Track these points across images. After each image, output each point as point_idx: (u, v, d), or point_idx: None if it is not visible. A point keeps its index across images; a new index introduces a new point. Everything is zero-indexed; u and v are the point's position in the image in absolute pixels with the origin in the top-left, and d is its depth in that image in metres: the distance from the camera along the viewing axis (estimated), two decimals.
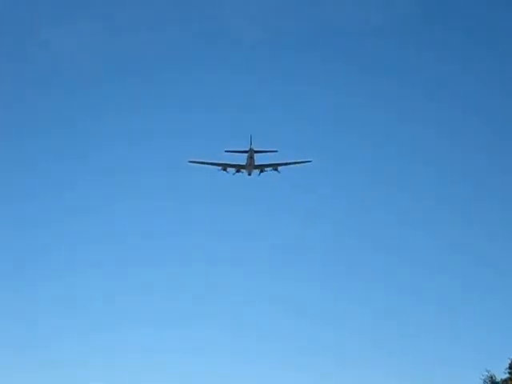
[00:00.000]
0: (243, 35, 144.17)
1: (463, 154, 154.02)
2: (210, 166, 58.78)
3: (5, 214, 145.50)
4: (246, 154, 55.43)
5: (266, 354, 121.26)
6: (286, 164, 55.65)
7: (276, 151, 56.31)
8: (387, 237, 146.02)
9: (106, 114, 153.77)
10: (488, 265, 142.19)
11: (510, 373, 35.16)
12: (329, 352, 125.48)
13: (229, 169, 57.78)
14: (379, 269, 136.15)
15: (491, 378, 34.97)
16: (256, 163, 56.41)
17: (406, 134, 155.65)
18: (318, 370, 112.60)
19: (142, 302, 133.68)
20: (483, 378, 35.08)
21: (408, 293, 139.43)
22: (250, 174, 56.30)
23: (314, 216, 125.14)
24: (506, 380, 35.23)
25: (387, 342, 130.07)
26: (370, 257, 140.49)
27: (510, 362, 36.35)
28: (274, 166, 55.70)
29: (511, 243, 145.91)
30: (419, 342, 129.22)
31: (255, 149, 54.68)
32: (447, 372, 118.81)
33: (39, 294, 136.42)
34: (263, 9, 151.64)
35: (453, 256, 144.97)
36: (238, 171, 56.86)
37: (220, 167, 58.53)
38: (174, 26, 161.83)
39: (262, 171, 56.14)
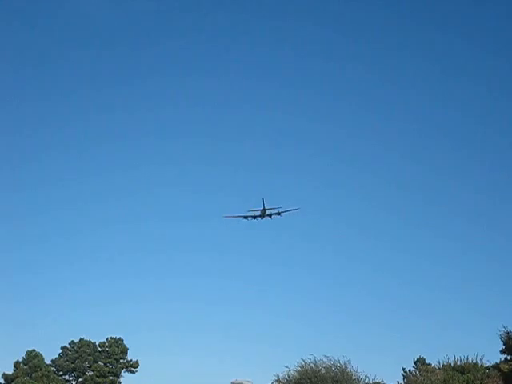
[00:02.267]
0: None
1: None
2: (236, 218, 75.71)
3: None
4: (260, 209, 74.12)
5: None
6: (285, 211, 73.82)
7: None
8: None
9: None
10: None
11: None
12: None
13: (249, 218, 75.36)
14: None
15: (508, 333, 35.14)
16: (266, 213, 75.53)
17: None
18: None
19: None
20: (500, 333, 35.30)
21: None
22: (262, 219, 74.47)
23: None
24: None
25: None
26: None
27: None
28: (278, 213, 74.13)
29: None
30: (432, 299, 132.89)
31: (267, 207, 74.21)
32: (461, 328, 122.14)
33: None
34: None
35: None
36: (254, 218, 74.15)
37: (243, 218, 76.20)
38: None
39: (270, 216, 73.92)
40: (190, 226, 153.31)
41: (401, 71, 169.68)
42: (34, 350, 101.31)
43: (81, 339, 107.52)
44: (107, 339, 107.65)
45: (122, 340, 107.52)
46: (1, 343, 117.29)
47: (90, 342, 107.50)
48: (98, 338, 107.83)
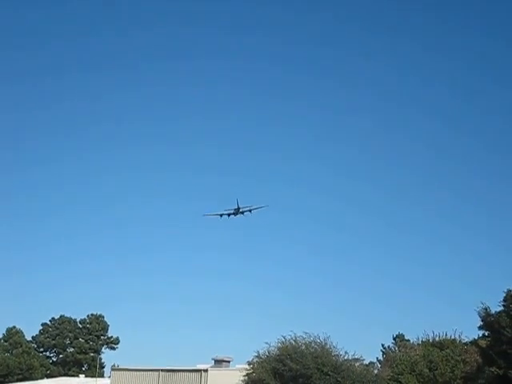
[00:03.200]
0: None
1: None
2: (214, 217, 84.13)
3: None
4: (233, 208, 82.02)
5: None
6: (255, 208, 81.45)
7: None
8: None
9: None
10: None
11: (504, 305, 35.79)
12: None
13: (224, 215, 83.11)
14: None
15: (486, 310, 35.55)
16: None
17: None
18: None
19: None
20: (478, 309, 35.68)
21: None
22: (235, 216, 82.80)
23: None
24: (500, 312, 35.94)
25: None
26: None
27: (504, 294, 36.87)
28: (249, 210, 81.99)
29: None
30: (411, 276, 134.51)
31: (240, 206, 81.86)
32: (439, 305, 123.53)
33: None
34: None
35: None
36: (229, 216, 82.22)
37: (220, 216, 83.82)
38: None
39: (242, 213, 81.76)
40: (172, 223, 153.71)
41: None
42: (14, 327, 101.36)
43: (61, 316, 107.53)
44: (88, 316, 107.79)
45: (103, 317, 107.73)
46: None
47: (70, 318, 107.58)
48: (78, 314, 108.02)
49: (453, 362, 43.86)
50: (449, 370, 43.17)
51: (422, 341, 51.10)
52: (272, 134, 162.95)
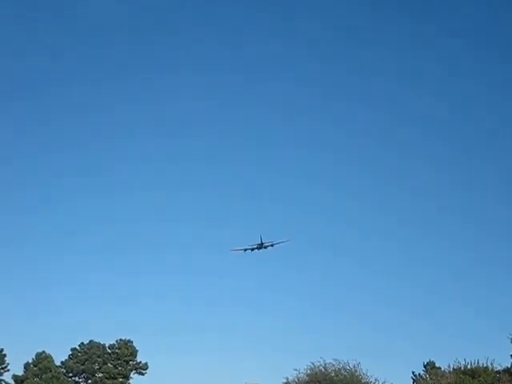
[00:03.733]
0: None
1: None
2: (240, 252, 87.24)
3: None
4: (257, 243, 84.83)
5: None
6: (278, 243, 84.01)
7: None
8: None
9: None
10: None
11: None
12: None
13: (248, 250, 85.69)
14: None
15: None
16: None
17: None
18: None
19: None
20: (510, 337, 35.00)
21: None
22: (259, 250, 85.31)
23: None
24: None
25: None
26: None
27: None
28: (272, 245, 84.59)
29: None
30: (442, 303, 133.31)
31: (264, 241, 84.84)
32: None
33: None
34: None
35: None
36: (252, 250, 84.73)
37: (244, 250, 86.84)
38: None
39: (266, 248, 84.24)
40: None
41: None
42: (43, 352, 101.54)
43: (90, 341, 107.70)
44: (116, 341, 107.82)
45: (132, 342, 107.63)
46: (11, 345, 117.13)
47: (99, 343, 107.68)
48: (107, 339, 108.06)
49: None
50: None
51: (453, 368, 50.54)
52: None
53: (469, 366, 48.97)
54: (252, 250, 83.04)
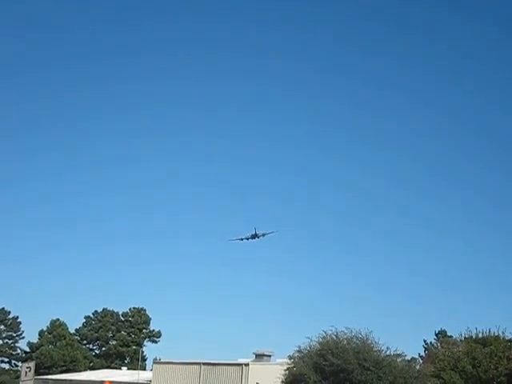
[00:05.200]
0: None
1: None
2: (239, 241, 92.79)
3: None
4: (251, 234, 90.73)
5: None
6: (268, 233, 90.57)
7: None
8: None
9: None
10: None
11: None
12: None
13: (244, 239, 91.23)
14: None
15: None
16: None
17: None
18: None
19: None
20: None
21: None
22: (253, 239, 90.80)
23: None
24: None
25: None
26: None
27: None
28: (263, 235, 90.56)
29: None
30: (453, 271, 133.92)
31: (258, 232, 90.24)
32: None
33: None
34: None
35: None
36: (247, 239, 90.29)
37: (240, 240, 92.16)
38: None
39: (258, 237, 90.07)
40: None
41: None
42: (58, 320, 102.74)
43: (104, 309, 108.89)
44: (130, 309, 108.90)
45: (145, 310, 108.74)
46: (26, 313, 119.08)
47: (113, 311, 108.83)
48: (120, 308, 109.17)
49: (496, 358, 43.34)
50: (492, 367, 42.67)
51: (464, 337, 50.54)
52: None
53: (480, 335, 49.02)
54: (247, 239, 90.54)
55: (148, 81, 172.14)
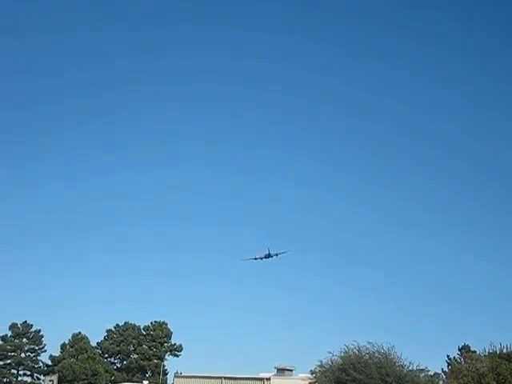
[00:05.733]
0: None
1: None
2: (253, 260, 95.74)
3: None
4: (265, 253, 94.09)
5: None
6: (281, 253, 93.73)
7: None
8: None
9: None
10: None
11: None
12: None
13: (258, 259, 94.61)
14: None
15: None
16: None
17: None
18: None
19: None
20: None
21: None
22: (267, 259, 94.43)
23: None
24: None
25: None
26: None
27: None
28: (276, 255, 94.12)
29: None
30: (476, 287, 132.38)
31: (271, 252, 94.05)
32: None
33: None
34: None
35: None
36: (261, 258, 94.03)
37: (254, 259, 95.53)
38: None
39: (271, 257, 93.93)
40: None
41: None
42: (79, 333, 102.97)
43: (125, 322, 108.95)
44: (151, 323, 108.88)
45: (166, 324, 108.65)
46: (48, 326, 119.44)
47: (134, 325, 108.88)
48: (142, 321, 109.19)
49: None
50: None
51: (488, 352, 49.89)
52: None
53: (504, 350, 48.38)
54: (261, 258, 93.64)
55: (149, 85, 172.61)
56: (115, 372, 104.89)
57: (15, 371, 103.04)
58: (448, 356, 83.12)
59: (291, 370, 64.40)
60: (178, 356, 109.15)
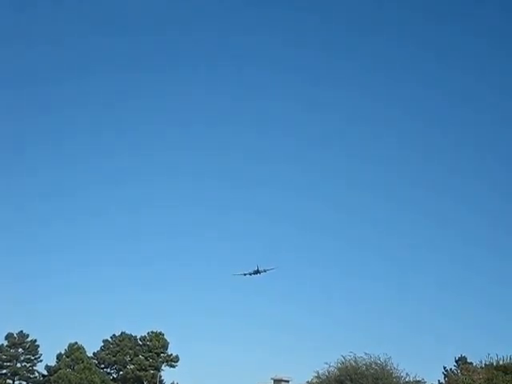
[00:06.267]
0: None
1: None
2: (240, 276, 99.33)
3: None
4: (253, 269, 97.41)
5: None
6: (269, 269, 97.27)
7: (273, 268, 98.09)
8: None
9: None
10: None
11: None
12: None
13: (247, 275, 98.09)
14: None
15: None
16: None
17: None
18: None
19: None
20: None
21: None
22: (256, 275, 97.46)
23: None
24: None
25: None
26: None
27: None
28: (264, 271, 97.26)
29: None
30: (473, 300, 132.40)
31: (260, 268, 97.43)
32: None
33: None
34: None
35: None
36: (250, 274, 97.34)
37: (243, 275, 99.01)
38: None
39: (260, 273, 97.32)
40: None
41: None
42: (76, 343, 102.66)
43: (122, 333, 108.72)
44: (148, 333, 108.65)
45: (163, 334, 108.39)
46: (44, 336, 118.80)
47: (130, 335, 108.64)
48: (138, 331, 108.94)
49: None
50: None
51: (485, 364, 49.99)
52: None
53: (501, 362, 48.45)
54: (250, 274, 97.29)
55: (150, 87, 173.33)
56: (111, 382, 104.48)
57: (11, 381, 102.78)
58: (445, 367, 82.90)
59: (288, 381, 64.32)
60: (174, 367, 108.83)
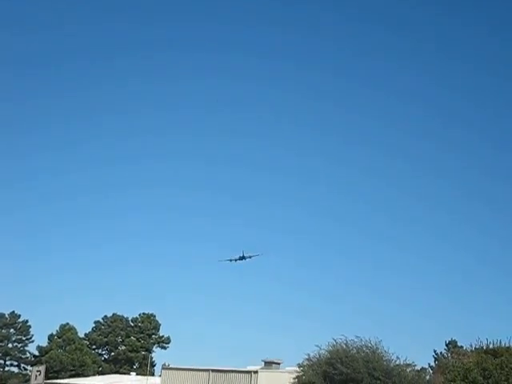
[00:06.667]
0: None
1: None
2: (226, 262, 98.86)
3: None
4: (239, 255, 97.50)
5: None
6: (254, 256, 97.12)
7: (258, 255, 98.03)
8: None
9: None
10: None
11: None
12: None
13: (233, 261, 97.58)
14: None
15: None
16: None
17: None
18: None
19: None
20: None
21: None
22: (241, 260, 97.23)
23: None
24: None
25: None
26: None
27: None
28: (249, 257, 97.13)
29: None
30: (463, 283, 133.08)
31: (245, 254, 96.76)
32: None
33: None
34: None
35: None
36: (235, 260, 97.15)
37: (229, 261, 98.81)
38: None
39: (245, 259, 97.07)
40: None
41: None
42: (67, 324, 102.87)
43: (114, 314, 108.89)
44: (139, 315, 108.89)
45: (155, 316, 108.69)
46: (36, 316, 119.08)
47: (122, 317, 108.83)
48: (130, 313, 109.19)
49: (507, 369, 42.96)
50: (503, 378, 42.30)
51: (475, 348, 50.13)
52: None
53: (491, 346, 48.63)
54: (236, 260, 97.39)
55: (150, 81, 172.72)
56: (103, 363, 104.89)
57: (2, 361, 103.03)
58: (435, 351, 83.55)
59: (278, 363, 64.39)
60: (165, 348, 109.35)
